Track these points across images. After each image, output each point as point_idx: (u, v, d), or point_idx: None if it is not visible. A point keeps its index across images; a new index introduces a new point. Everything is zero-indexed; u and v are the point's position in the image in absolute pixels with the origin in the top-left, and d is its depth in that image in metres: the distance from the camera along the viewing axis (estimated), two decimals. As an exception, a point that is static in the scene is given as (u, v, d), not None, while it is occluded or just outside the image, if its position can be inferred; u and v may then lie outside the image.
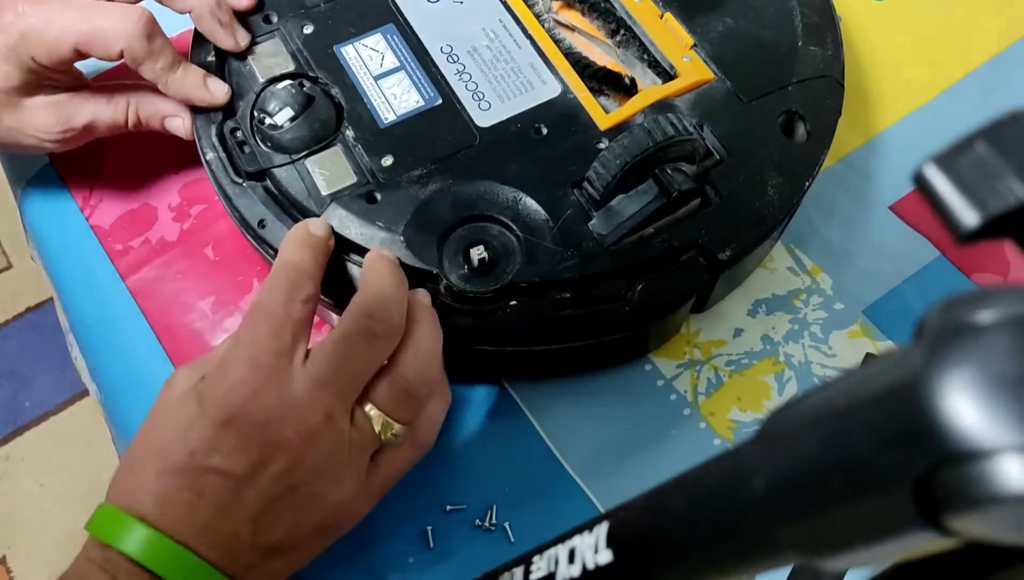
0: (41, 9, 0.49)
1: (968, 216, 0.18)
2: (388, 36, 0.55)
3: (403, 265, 0.47)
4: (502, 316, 0.47)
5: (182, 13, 0.53)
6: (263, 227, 0.49)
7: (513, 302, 0.47)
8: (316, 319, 0.47)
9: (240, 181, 0.50)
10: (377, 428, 0.42)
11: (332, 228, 0.47)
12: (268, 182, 0.50)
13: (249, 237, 0.51)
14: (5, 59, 0.50)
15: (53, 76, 0.52)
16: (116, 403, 0.56)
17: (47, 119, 0.52)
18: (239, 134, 0.52)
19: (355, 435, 0.42)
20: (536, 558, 0.31)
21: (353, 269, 0.48)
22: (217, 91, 0.52)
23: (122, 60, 0.50)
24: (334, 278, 0.47)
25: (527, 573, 0.31)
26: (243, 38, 0.54)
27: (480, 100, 0.52)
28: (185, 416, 0.41)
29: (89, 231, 0.58)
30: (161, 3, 0.52)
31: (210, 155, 0.51)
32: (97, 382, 0.58)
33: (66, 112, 0.53)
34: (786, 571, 0.36)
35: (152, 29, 0.50)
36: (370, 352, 0.42)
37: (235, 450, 0.39)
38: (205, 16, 0.52)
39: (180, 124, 0.53)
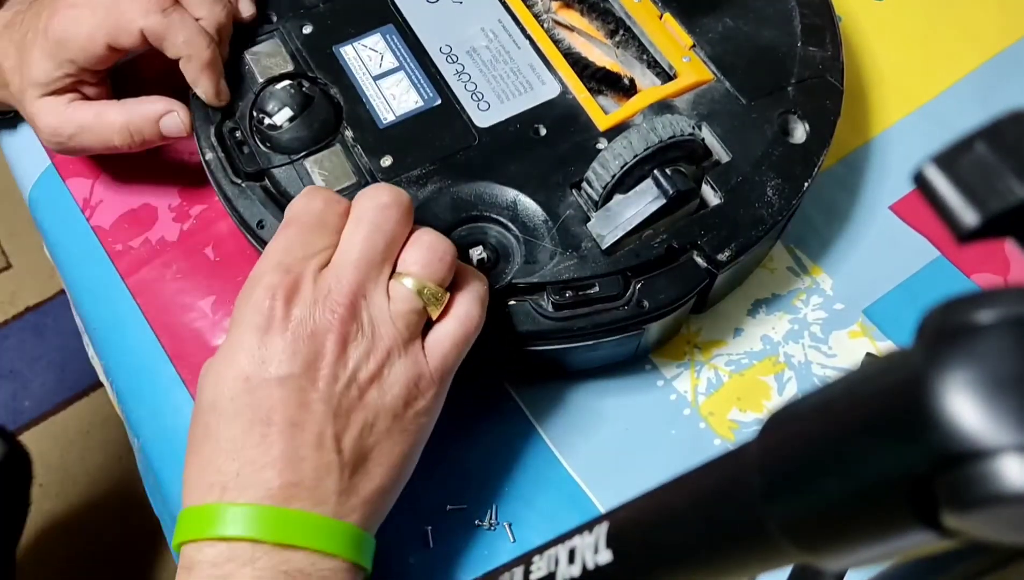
0: (74, 11, 0.50)
1: (968, 215, 0.18)
2: (387, 36, 0.55)
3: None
4: (501, 316, 0.47)
5: (173, 58, 0.51)
6: (262, 228, 0.49)
7: (512, 302, 0.47)
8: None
9: (239, 181, 0.50)
10: (419, 293, 0.41)
11: None
12: (267, 182, 0.50)
13: (249, 237, 0.51)
14: (46, 57, 0.51)
15: (88, 82, 0.53)
16: (123, 402, 0.56)
17: (46, 120, 0.53)
18: (238, 134, 0.52)
19: (396, 307, 0.41)
20: (536, 558, 0.31)
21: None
22: (223, 92, 0.52)
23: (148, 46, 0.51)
24: None
25: (527, 573, 0.31)
26: (223, 94, 0.52)
27: (479, 100, 0.52)
28: (226, 351, 0.41)
29: (90, 231, 0.58)
30: (154, 45, 0.51)
31: (209, 155, 0.51)
32: (109, 381, 0.58)
33: (60, 118, 0.53)
34: (786, 571, 0.36)
35: (167, 3, 0.50)
36: (387, 223, 0.42)
37: (284, 353, 0.39)
38: (190, 68, 0.51)
39: (176, 119, 0.53)
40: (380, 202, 0.42)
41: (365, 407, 0.40)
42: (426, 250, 0.42)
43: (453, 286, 0.44)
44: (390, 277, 0.42)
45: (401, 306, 0.41)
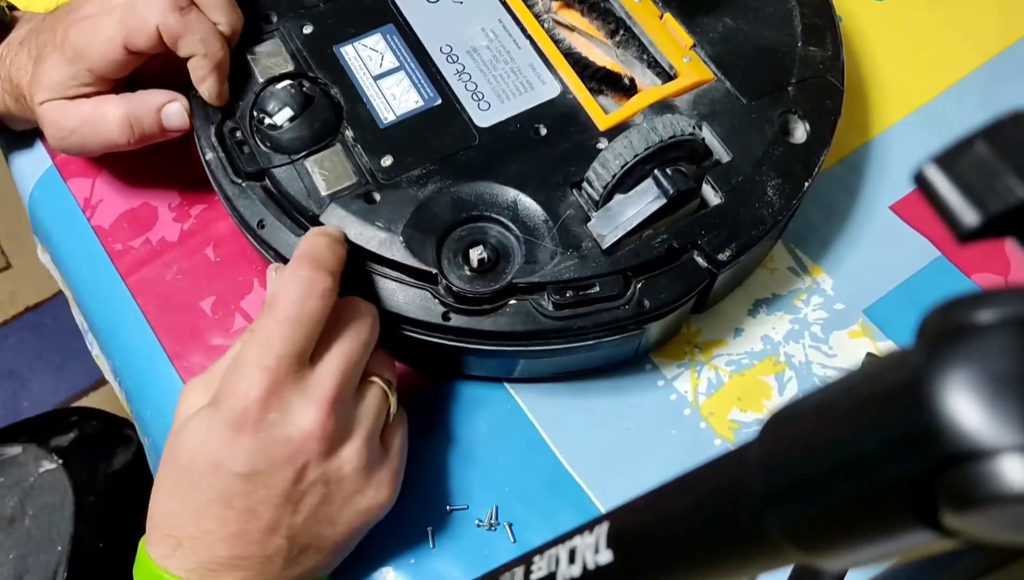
0: (91, 20, 0.50)
1: (968, 215, 0.18)
2: (387, 36, 0.55)
3: (403, 265, 0.47)
4: (501, 316, 0.47)
5: (184, 57, 0.51)
6: (262, 227, 0.49)
7: (512, 302, 0.47)
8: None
9: (239, 181, 0.50)
10: (386, 390, 0.45)
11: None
12: (267, 182, 0.50)
13: (249, 237, 0.51)
14: (63, 65, 0.51)
15: (102, 92, 0.53)
16: (130, 402, 0.57)
17: (53, 116, 0.53)
18: (238, 134, 0.52)
19: (370, 404, 0.44)
20: (537, 558, 0.31)
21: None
22: (226, 94, 0.52)
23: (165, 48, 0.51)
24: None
25: (528, 573, 0.31)
26: (225, 95, 0.52)
27: (479, 100, 0.52)
28: (204, 428, 0.42)
29: (90, 231, 0.58)
30: (168, 44, 0.51)
31: (209, 155, 0.51)
32: (117, 380, 0.58)
33: (63, 112, 0.53)
34: (786, 571, 0.36)
35: (185, 3, 0.50)
36: (371, 336, 0.44)
37: (253, 453, 0.41)
38: (202, 66, 0.51)
39: (179, 109, 0.52)
40: (361, 315, 0.44)
41: (325, 503, 0.43)
42: (386, 354, 0.46)
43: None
44: (363, 378, 0.45)
45: (373, 403, 0.44)
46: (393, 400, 0.46)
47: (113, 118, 0.52)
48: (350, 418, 0.43)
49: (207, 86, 0.51)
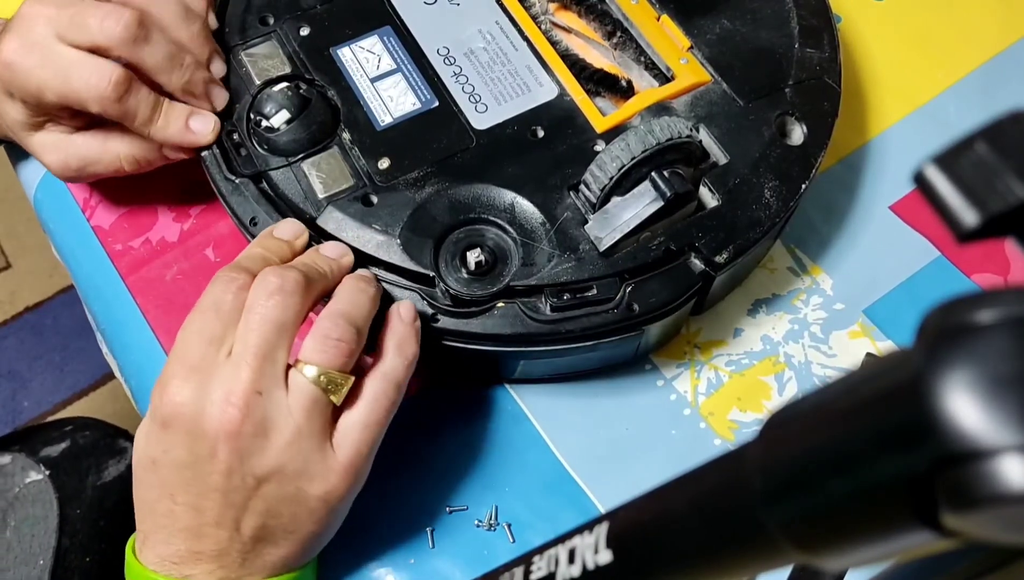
0: (24, 60, 0.48)
1: (968, 215, 0.18)
2: (384, 38, 0.55)
3: (400, 268, 0.47)
4: (499, 319, 0.47)
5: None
6: (255, 225, 0.49)
7: (500, 305, 0.47)
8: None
9: (233, 178, 0.50)
10: (316, 382, 0.41)
11: (303, 228, 0.47)
12: (264, 184, 0.50)
13: (245, 234, 0.50)
14: (9, 97, 0.51)
15: (55, 115, 0.51)
16: (137, 401, 0.57)
17: (50, 158, 0.53)
18: (236, 136, 0.52)
19: (294, 398, 0.41)
20: (536, 558, 0.31)
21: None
22: (202, 130, 0.51)
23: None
24: None
25: (527, 573, 0.31)
26: (203, 135, 0.51)
27: (476, 102, 0.52)
28: (146, 424, 0.43)
29: (90, 232, 0.58)
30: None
31: (204, 152, 0.51)
32: (124, 378, 0.59)
33: (63, 154, 0.52)
34: (786, 571, 0.36)
35: (124, 90, 0.48)
36: (275, 310, 0.41)
37: (180, 447, 0.41)
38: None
39: (178, 154, 0.53)
40: (267, 290, 0.41)
41: (265, 498, 0.41)
42: (321, 338, 0.42)
43: (368, 365, 0.44)
44: (293, 365, 0.42)
45: (299, 397, 0.41)
46: (337, 392, 0.42)
47: (124, 156, 0.53)
48: (276, 409, 0.41)
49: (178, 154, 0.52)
